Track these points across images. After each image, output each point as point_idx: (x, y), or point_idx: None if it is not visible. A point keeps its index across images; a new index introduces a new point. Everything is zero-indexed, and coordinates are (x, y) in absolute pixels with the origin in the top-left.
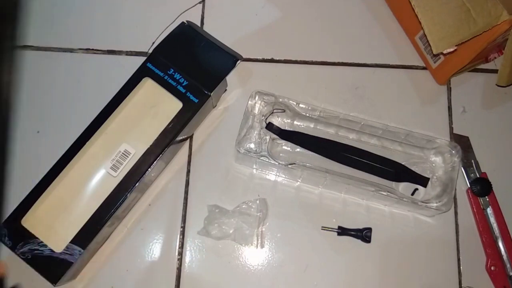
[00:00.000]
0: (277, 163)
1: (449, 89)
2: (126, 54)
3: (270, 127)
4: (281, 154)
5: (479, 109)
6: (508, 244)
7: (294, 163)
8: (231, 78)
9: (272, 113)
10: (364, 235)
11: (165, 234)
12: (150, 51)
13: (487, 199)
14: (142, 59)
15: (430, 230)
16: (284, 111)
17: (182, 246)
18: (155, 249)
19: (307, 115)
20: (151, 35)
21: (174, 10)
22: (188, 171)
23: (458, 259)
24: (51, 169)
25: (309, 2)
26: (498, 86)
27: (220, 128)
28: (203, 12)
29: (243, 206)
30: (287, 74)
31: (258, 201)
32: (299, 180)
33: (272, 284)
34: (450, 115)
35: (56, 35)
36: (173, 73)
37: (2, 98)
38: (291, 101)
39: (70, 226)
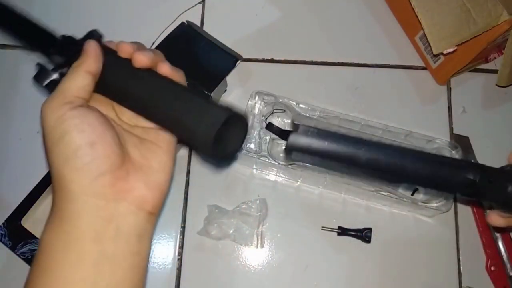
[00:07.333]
0: (277, 163)
1: (449, 89)
2: None
3: (270, 127)
4: (281, 154)
5: (479, 109)
6: (508, 244)
7: (294, 163)
8: (231, 78)
9: (272, 113)
10: (364, 235)
11: (165, 234)
12: None
13: None
14: None
15: (430, 230)
16: (284, 111)
17: (182, 246)
18: (155, 249)
19: (307, 115)
20: (151, 35)
21: (174, 10)
22: (188, 171)
23: (458, 259)
24: None
25: (309, 2)
26: (498, 86)
27: None
28: (203, 12)
29: (243, 206)
30: (287, 74)
31: (258, 201)
32: (299, 180)
33: (272, 284)
34: (450, 115)
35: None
36: None
37: None
38: (291, 101)
39: None
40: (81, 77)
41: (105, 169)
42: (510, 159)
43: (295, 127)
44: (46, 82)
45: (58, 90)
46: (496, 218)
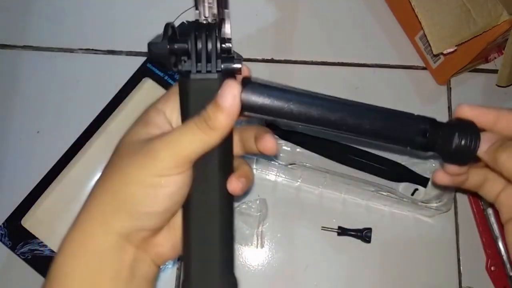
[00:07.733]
0: (277, 163)
1: (449, 89)
2: (126, 54)
3: (270, 127)
4: (281, 154)
5: None
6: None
7: (294, 163)
8: None
9: None
10: (364, 235)
11: None
12: None
13: None
14: (142, 59)
15: (430, 230)
16: None
17: None
18: None
19: None
20: (151, 35)
21: (174, 10)
22: None
23: (458, 259)
24: (51, 169)
25: (309, 2)
26: (498, 86)
27: None
28: None
29: (243, 206)
30: (287, 74)
31: (258, 201)
32: (299, 180)
33: (272, 284)
34: (450, 115)
35: (56, 35)
36: (173, 74)
37: None
38: None
39: None
40: (208, 137)
41: (155, 229)
42: (456, 113)
43: (245, 83)
44: (159, 51)
45: (176, 143)
46: (442, 176)
